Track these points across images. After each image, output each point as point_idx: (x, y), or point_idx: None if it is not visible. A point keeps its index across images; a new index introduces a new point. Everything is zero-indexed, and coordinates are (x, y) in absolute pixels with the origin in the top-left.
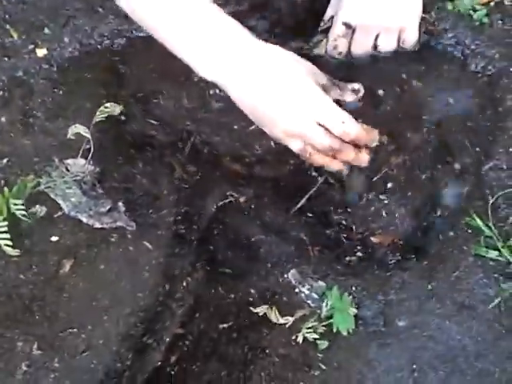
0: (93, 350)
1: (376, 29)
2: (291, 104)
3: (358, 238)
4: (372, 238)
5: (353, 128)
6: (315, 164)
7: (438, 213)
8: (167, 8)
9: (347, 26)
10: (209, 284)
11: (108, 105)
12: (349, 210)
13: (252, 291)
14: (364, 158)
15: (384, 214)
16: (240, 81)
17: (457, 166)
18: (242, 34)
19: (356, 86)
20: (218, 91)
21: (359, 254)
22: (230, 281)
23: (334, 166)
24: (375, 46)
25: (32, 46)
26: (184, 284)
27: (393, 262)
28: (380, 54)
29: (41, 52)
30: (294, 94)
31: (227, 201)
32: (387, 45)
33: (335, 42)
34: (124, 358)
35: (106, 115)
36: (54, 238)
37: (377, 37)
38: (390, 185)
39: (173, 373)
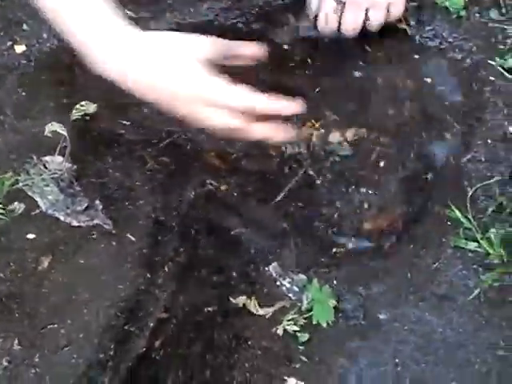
0: (73, 345)
1: (365, 4)
2: (181, 95)
3: (341, 229)
4: (365, 224)
5: (254, 101)
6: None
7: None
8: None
9: (338, 1)
10: (192, 268)
11: (83, 103)
12: (333, 200)
13: (234, 275)
14: (285, 130)
15: (370, 202)
16: (131, 73)
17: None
18: (121, 23)
19: (250, 48)
20: None
21: (340, 245)
22: (213, 264)
23: (261, 136)
24: (364, 22)
25: (10, 43)
26: (166, 269)
27: (374, 253)
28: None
29: (19, 48)
30: (180, 84)
31: (206, 189)
32: (376, 19)
33: (326, 19)
34: (106, 349)
35: (82, 113)
36: (31, 236)
37: (366, 12)
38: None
39: (158, 357)
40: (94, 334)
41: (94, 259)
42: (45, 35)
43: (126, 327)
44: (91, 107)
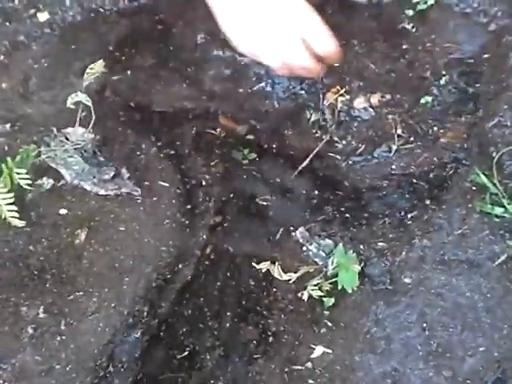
0: (102, 312)
1: None
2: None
3: (367, 194)
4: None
5: (331, 45)
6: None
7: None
8: None
9: None
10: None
11: (92, 65)
12: (355, 164)
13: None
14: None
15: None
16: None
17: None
18: None
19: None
20: (222, 53)
21: (367, 210)
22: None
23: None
24: None
25: (33, 11)
26: (204, 182)
27: (401, 219)
28: None
29: (42, 16)
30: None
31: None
32: None
33: None
34: (140, 310)
35: (94, 76)
36: (63, 211)
37: None
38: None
39: (207, 262)
40: (128, 301)
41: (134, 223)
42: (68, 2)
43: (175, 268)
44: (101, 67)
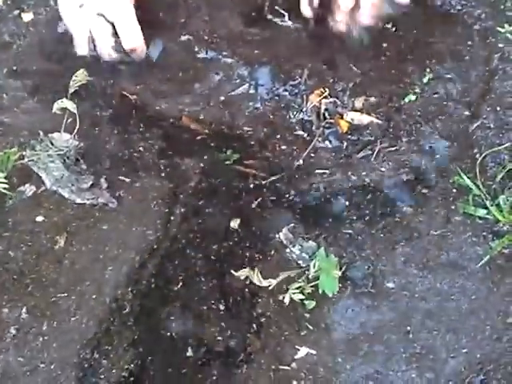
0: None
1: None
2: None
3: (351, 197)
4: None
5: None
6: None
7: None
8: None
9: None
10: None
11: (77, 73)
12: (339, 166)
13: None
14: None
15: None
16: None
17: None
18: None
19: None
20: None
21: (351, 213)
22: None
23: None
24: None
25: (17, 11)
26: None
27: (382, 220)
28: None
29: (27, 17)
30: None
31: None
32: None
33: None
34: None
35: (79, 84)
36: (40, 219)
37: None
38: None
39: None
40: (109, 289)
41: (117, 220)
42: (52, 2)
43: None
44: (85, 76)
